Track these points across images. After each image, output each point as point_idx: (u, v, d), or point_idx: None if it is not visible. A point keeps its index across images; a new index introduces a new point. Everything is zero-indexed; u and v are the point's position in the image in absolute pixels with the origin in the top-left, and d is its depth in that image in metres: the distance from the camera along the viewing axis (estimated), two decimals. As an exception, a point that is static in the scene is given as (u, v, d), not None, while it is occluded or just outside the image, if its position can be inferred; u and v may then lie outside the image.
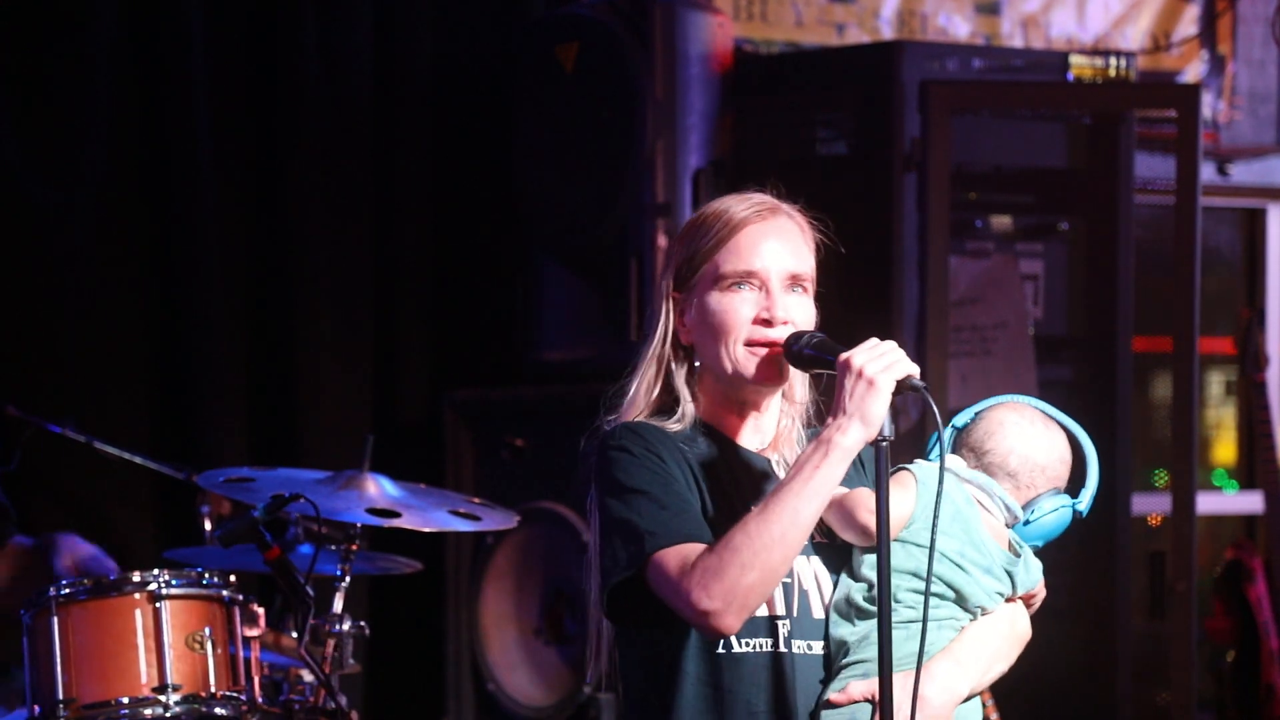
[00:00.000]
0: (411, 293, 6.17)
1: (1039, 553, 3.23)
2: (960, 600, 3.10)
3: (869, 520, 3.01)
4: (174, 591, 3.99)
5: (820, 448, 2.95)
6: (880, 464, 2.93)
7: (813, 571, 3.09)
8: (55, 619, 3.95)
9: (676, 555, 2.97)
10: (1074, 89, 6.00)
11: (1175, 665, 5.99)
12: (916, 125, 5.62)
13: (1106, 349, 6.02)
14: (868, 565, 3.06)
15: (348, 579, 4.34)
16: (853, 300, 5.61)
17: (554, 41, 5.82)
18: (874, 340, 2.99)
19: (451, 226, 6.21)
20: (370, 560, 4.83)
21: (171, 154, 5.80)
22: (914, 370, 2.95)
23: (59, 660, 3.94)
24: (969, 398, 5.59)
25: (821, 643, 3.08)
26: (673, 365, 3.18)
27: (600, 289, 5.81)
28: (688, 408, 3.16)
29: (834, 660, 3.07)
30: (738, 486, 3.09)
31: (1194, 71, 7.26)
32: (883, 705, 2.92)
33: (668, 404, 3.17)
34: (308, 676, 4.46)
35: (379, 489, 4.32)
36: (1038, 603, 3.24)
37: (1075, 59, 6.02)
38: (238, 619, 4.07)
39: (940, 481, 2.96)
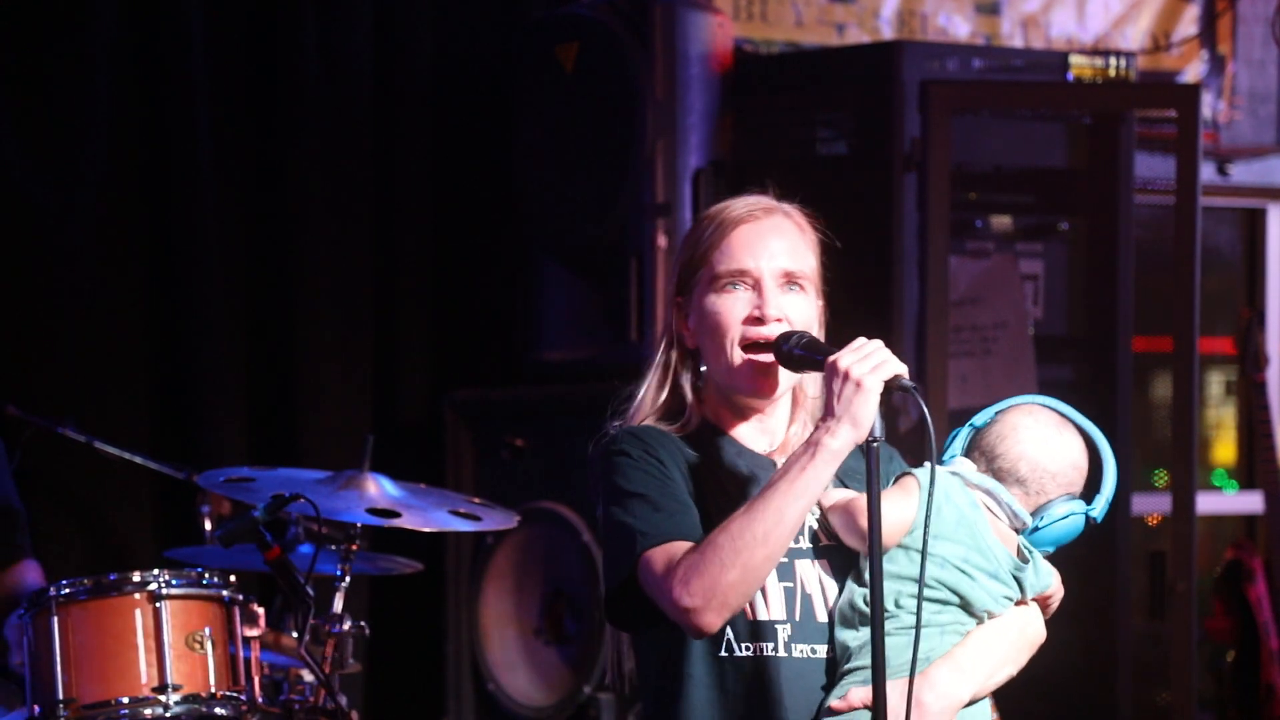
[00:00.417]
0: (411, 293, 6.17)
1: (1049, 555, 3.22)
2: (965, 606, 3.09)
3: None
4: (174, 591, 3.98)
5: (808, 449, 2.95)
6: (871, 465, 2.92)
7: (817, 575, 3.09)
8: (55, 619, 3.94)
9: (664, 554, 2.98)
10: (1074, 89, 6.00)
11: (1175, 665, 5.99)
12: (916, 125, 5.61)
13: (1106, 349, 6.02)
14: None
15: (348, 579, 4.34)
16: (853, 300, 5.62)
17: (554, 41, 5.82)
18: (861, 340, 2.98)
19: (451, 226, 6.21)
20: (370, 560, 4.83)
21: (171, 154, 5.80)
22: (902, 370, 2.94)
23: (59, 660, 3.93)
24: (969, 398, 5.60)
25: (825, 647, 3.07)
26: (679, 369, 3.18)
27: (600, 289, 5.81)
28: (693, 411, 3.16)
29: (838, 665, 3.07)
30: (742, 490, 3.09)
31: (1194, 71, 7.26)
32: (875, 710, 2.92)
33: (675, 408, 3.18)
34: (308, 676, 4.46)
35: (379, 489, 4.32)
36: (1054, 605, 3.23)
37: (1075, 59, 6.02)
38: (238, 619, 4.06)
39: (931, 485, 2.96)
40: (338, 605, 4.32)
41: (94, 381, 5.70)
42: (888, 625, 3.00)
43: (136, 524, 5.72)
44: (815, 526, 3.11)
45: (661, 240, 5.55)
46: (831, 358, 2.96)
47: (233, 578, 4.08)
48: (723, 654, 3.04)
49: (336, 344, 6.02)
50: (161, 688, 3.93)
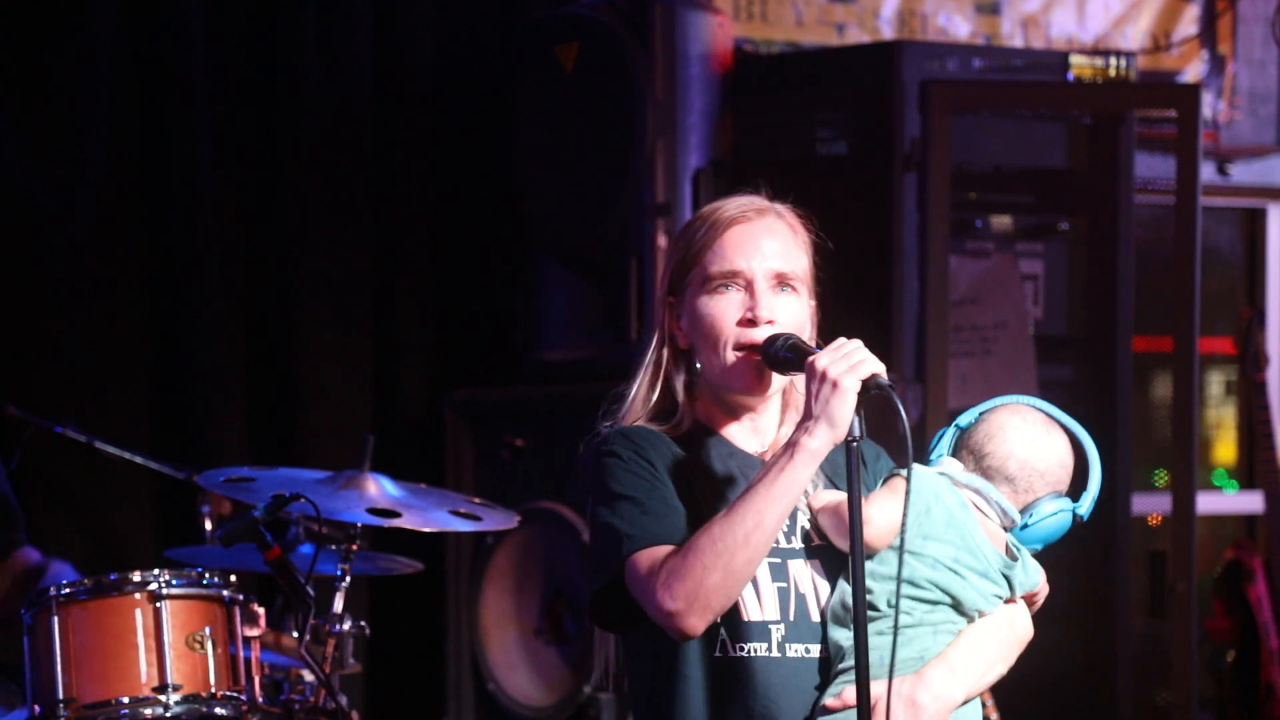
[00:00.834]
0: (411, 293, 6.17)
1: (1038, 554, 3.23)
2: (957, 605, 3.10)
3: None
4: (174, 591, 3.98)
5: (787, 450, 2.95)
6: (850, 464, 2.93)
7: (810, 575, 3.09)
8: (55, 619, 3.95)
9: (648, 557, 2.99)
10: (1074, 89, 6.00)
11: (1175, 665, 5.99)
12: (916, 125, 5.62)
13: (1106, 349, 6.02)
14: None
15: (348, 579, 4.34)
16: (853, 300, 5.62)
17: (554, 41, 5.82)
18: (840, 340, 2.99)
19: (451, 226, 6.21)
20: (370, 560, 4.83)
21: (171, 154, 5.80)
22: (880, 369, 2.94)
23: (59, 660, 3.93)
24: (969, 397, 5.60)
25: (820, 646, 3.07)
26: (670, 369, 3.18)
27: (600, 289, 5.81)
28: (685, 411, 3.16)
29: (833, 664, 3.07)
30: (733, 490, 3.09)
31: (1194, 71, 7.26)
32: (860, 708, 2.92)
33: (666, 408, 3.18)
34: (308, 676, 4.46)
35: (379, 489, 4.32)
36: (1040, 602, 3.24)
37: (1075, 59, 6.02)
38: (238, 619, 4.06)
39: (908, 483, 2.96)
40: (338, 605, 4.32)
41: (94, 381, 5.70)
42: (880, 625, 3.01)
43: (136, 524, 5.72)
44: (808, 527, 3.11)
45: (661, 240, 5.55)
46: (809, 359, 2.96)
47: (233, 578, 4.08)
48: (717, 654, 3.04)
49: (336, 344, 6.02)
50: (161, 688, 3.93)
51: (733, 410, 3.17)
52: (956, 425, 3.23)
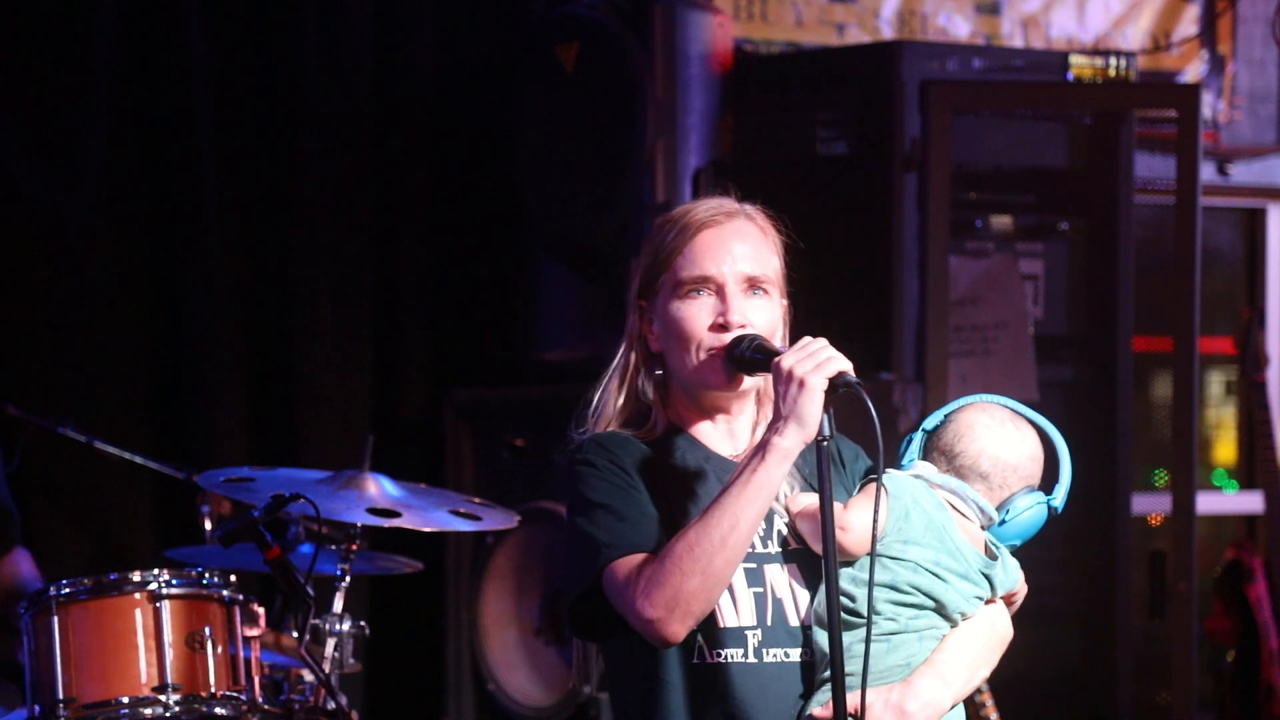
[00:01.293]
0: (411, 292, 6.17)
1: (1019, 551, 3.23)
2: (940, 609, 3.10)
3: (840, 537, 3.02)
4: (174, 591, 3.98)
5: (759, 451, 2.96)
6: (821, 463, 2.94)
7: (787, 579, 3.08)
8: (55, 618, 3.95)
9: (626, 565, 2.98)
10: (1074, 89, 6.00)
11: (1175, 665, 5.99)
12: (916, 125, 5.62)
13: (1106, 349, 6.02)
14: (845, 577, 3.05)
15: (348, 579, 4.34)
16: (853, 300, 5.62)
17: (554, 41, 5.82)
18: (806, 340, 2.98)
19: (451, 226, 6.21)
20: (370, 560, 4.83)
21: (171, 154, 5.80)
22: (846, 367, 2.94)
23: (59, 660, 3.94)
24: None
25: (799, 650, 3.06)
26: (643, 373, 3.18)
27: (600, 289, 5.80)
28: (658, 415, 3.16)
29: (816, 669, 3.06)
30: (709, 494, 3.07)
31: (1194, 71, 7.26)
32: (836, 711, 2.92)
33: (639, 411, 3.17)
34: (308, 676, 4.46)
35: (379, 489, 4.32)
36: (1019, 601, 3.24)
37: (1075, 59, 6.02)
38: (238, 619, 4.07)
39: (879, 483, 2.97)
40: (338, 605, 4.32)
41: (94, 381, 5.70)
42: (864, 632, 3.00)
43: (136, 524, 5.72)
44: (785, 531, 3.11)
45: (662, 240, 5.54)
46: (775, 359, 2.97)
47: (233, 578, 4.09)
48: (695, 661, 3.04)
49: (336, 344, 6.02)
50: (161, 687, 3.93)
51: (707, 412, 3.16)
52: (923, 429, 3.23)
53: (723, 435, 3.17)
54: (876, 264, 5.63)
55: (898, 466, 3.21)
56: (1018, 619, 3.26)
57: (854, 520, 3.03)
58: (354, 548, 4.34)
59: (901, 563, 3.06)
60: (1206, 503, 7.02)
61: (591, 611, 3.05)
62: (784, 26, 6.72)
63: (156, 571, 4.00)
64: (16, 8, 5.64)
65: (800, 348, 2.96)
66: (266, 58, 5.94)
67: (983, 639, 3.13)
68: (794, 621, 3.06)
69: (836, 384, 2.93)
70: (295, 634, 4.17)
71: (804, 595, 3.08)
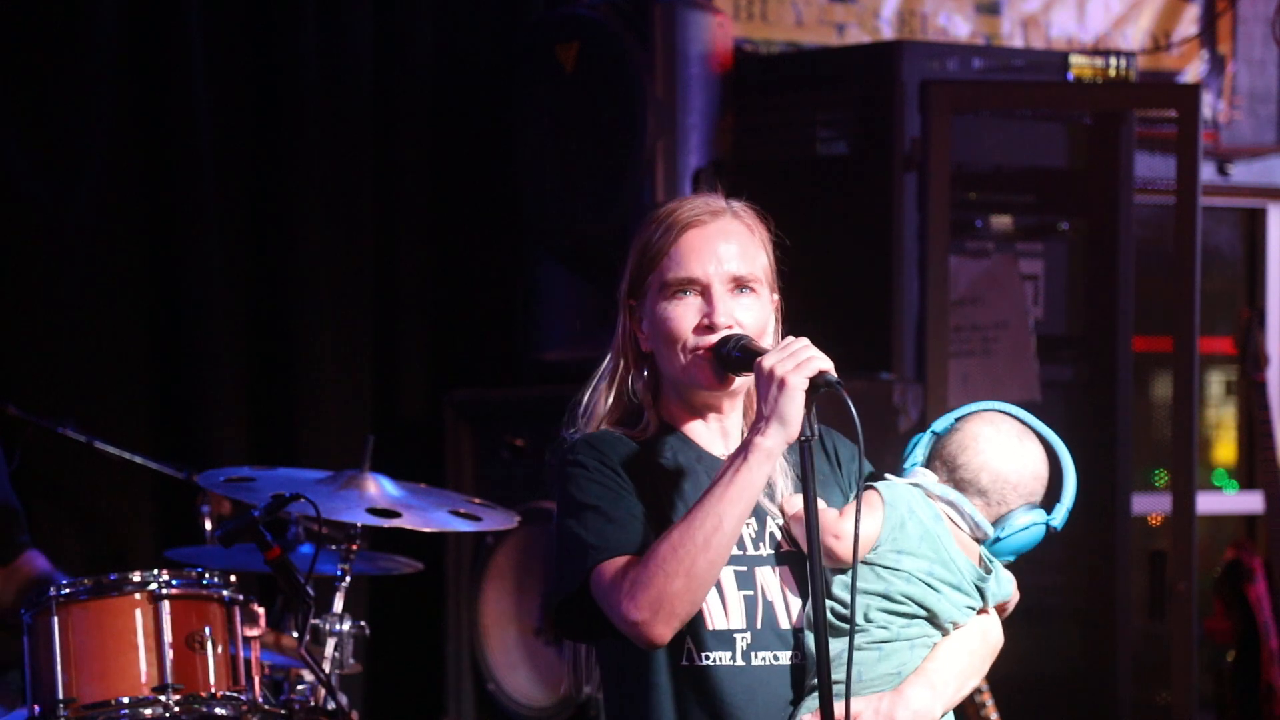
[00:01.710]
0: (411, 292, 6.17)
1: (1013, 563, 3.22)
2: (932, 619, 3.10)
3: (833, 544, 3.02)
4: (174, 591, 3.98)
5: (741, 452, 2.96)
6: (805, 462, 2.94)
7: (778, 582, 3.08)
8: (55, 619, 3.95)
9: (613, 567, 2.98)
10: (1074, 89, 6.00)
11: (1175, 665, 5.99)
12: (916, 125, 5.62)
13: (1106, 349, 6.02)
14: (838, 584, 3.06)
15: (348, 579, 4.34)
16: (853, 300, 5.62)
17: (554, 41, 5.82)
18: (788, 339, 2.98)
19: (451, 226, 6.21)
20: (370, 560, 4.83)
21: (171, 154, 5.80)
22: (827, 366, 2.94)
23: (59, 660, 3.93)
24: (970, 397, 5.59)
25: (789, 653, 3.05)
26: (632, 371, 3.18)
27: (601, 289, 5.80)
28: (650, 415, 3.15)
29: (807, 673, 3.05)
30: (700, 493, 3.05)
31: (1194, 71, 7.26)
32: (824, 713, 2.92)
33: (630, 411, 3.17)
34: (308, 676, 4.46)
35: (379, 489, 4.32)
36: (1010, 610, 3.23)
37: (1075, 59, 6.02)
38: (238, 619, 4.06)
39: (859, 485, 2.98)
40: (338, 605, 4.32)
41: (94, 381, 5.70)
42: (857, 639, 3.00)
43: (136, 524, 5.72)
44: (778, 533, 3.10)
45: (661, 240, 5.54)
46: (757, 359, 2.97)
47: (233, 578, 4.08)
48: (683, 663, 3.04)
49: (336, 344, 6.02)
50: (161, 688, 3.93)
51: (698, 411, 3.16)
52: (932, 431, 3.23)
53: (715, 434, 3.16)
54: (876, 264, 5.63)
55: (900, 467, 3.20)
56: (1018, 618, 3.26)
57: (848, 528, 3.02)
58: (354, 548, 4.35)
59: (895, 572, 3.06)
60: (1206, 503, 7.02)
61: (580, 613, 3.05)
62: (784, 26, 6.72)
63: (156, 571, 4.00)
64: (16, 8, 5.64)
65: (782, 348, 2.96)
66: (266, 58, 5.94)
67: (974, 648, 3.12)
68: (785, 624, 3.06)
69: (817, 383, 2.93)
70: (295, 634, 4.17)
71: (795, 598, 3.07)
